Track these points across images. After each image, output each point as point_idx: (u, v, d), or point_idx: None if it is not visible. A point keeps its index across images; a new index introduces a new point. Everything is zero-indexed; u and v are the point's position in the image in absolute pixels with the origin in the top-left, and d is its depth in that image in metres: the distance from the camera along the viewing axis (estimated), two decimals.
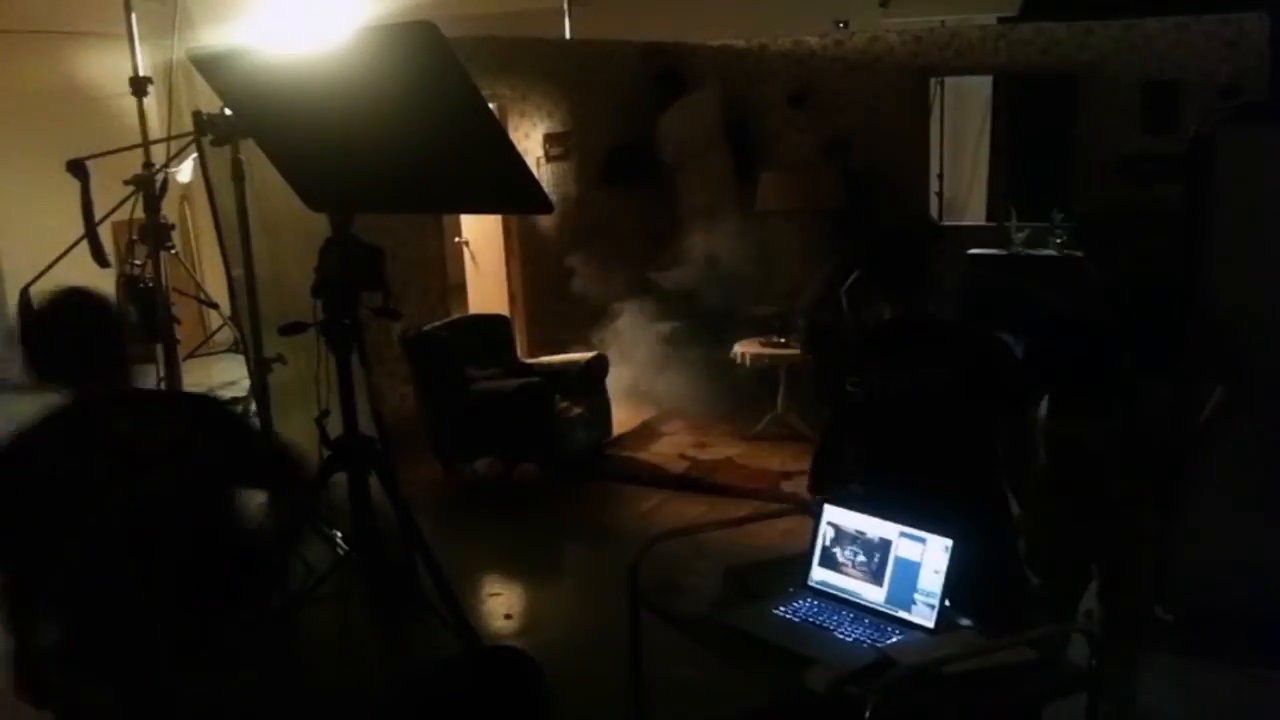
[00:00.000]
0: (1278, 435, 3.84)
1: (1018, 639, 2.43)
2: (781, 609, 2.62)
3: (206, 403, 2.71)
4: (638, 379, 7.33)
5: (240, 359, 5.33)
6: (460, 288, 8.11)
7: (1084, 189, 8.40)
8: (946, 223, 9.34)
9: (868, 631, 2.50)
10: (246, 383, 6.03)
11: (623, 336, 7.48)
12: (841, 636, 2.49)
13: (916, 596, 2.52)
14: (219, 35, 4.88)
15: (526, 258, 8.14)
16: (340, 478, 3.42)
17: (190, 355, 7.71)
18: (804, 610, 2.61)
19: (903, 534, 2.58)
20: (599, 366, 6.55)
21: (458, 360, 6.09)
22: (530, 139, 8.00)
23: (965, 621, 2.51)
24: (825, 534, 2.71)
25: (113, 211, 4.49)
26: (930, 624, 2.48)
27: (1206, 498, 3.92)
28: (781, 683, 2.39)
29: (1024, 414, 2.90)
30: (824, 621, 2.56)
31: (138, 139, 4.65)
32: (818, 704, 2.23)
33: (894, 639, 2.46)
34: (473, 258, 8.10)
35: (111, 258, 4.99)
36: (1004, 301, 2.36)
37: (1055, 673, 2.40)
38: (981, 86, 9.41)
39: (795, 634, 2.52)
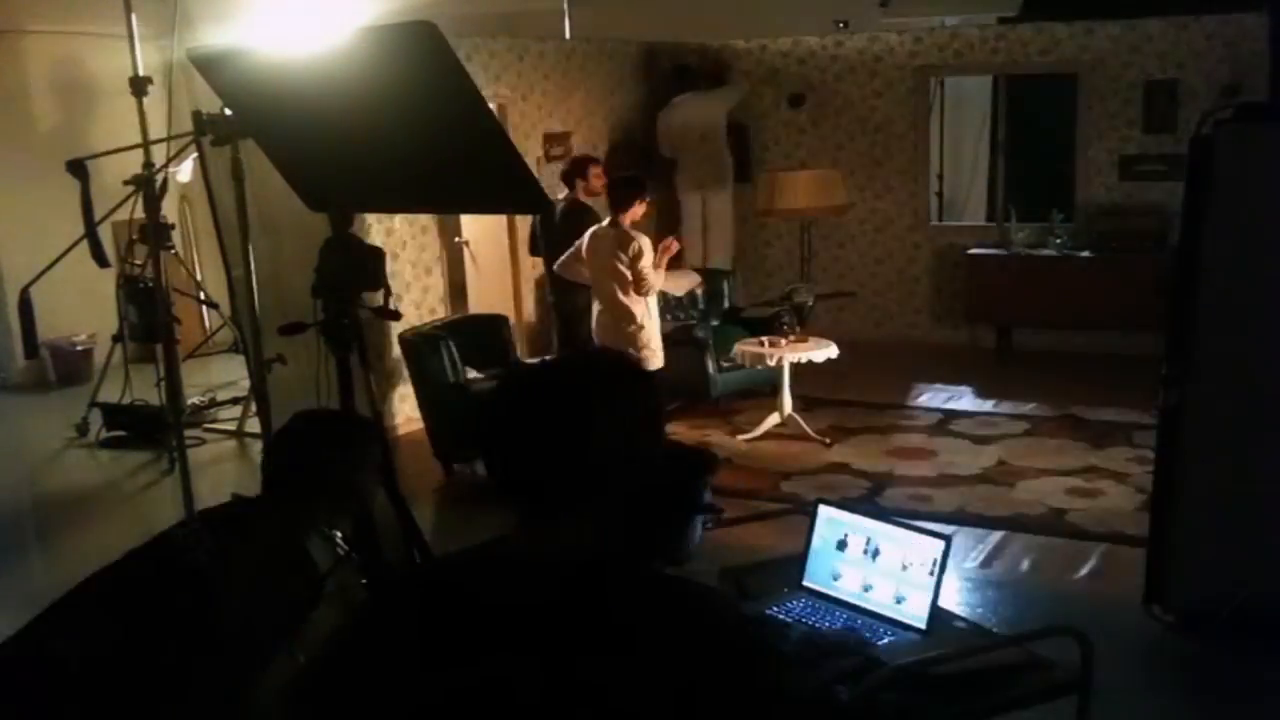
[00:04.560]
0: (1278, 434, 3.84)
1: (1009, 640, 2.43)
2: (775, 609, 2.62)
3: None
4: None
5: (240, 359, 5.35)
6: (460, 288, 8.10)
7: (1084, 189, 8.41)
8: (946, 222, 9.35)
9: (860, 632, 2.50)
10: (246, 383, 6.05)
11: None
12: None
13: (909, 597, 2.52)
14: (219, 35, 4.87)
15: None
16: None
17: (190, 355, 7.73)
18: (797, 610, 2.61)
19: (896, 535, 2.58)
20: None
21: (458, 360, 6.09)
22: (530, 139, 8.00)
23: (959, 623, 2.51)
24: (820, 535, 2.71)
25: (113, 211, 4.49)
26: (922, 625, 2.49)
27: (1207, 498, 3.92)
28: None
29: None
30: (816, 622, 2.56)
31: (138, 139, 4.64)
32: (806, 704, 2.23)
33: (885, 640, 2.46)
34: (473, 258, 8.09)
35: (111, 258, 5.00)
36: None
37: (1045, 675, 2.41)
38: (981, 86, 9.41)
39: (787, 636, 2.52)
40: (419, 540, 3.61)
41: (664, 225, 9.33)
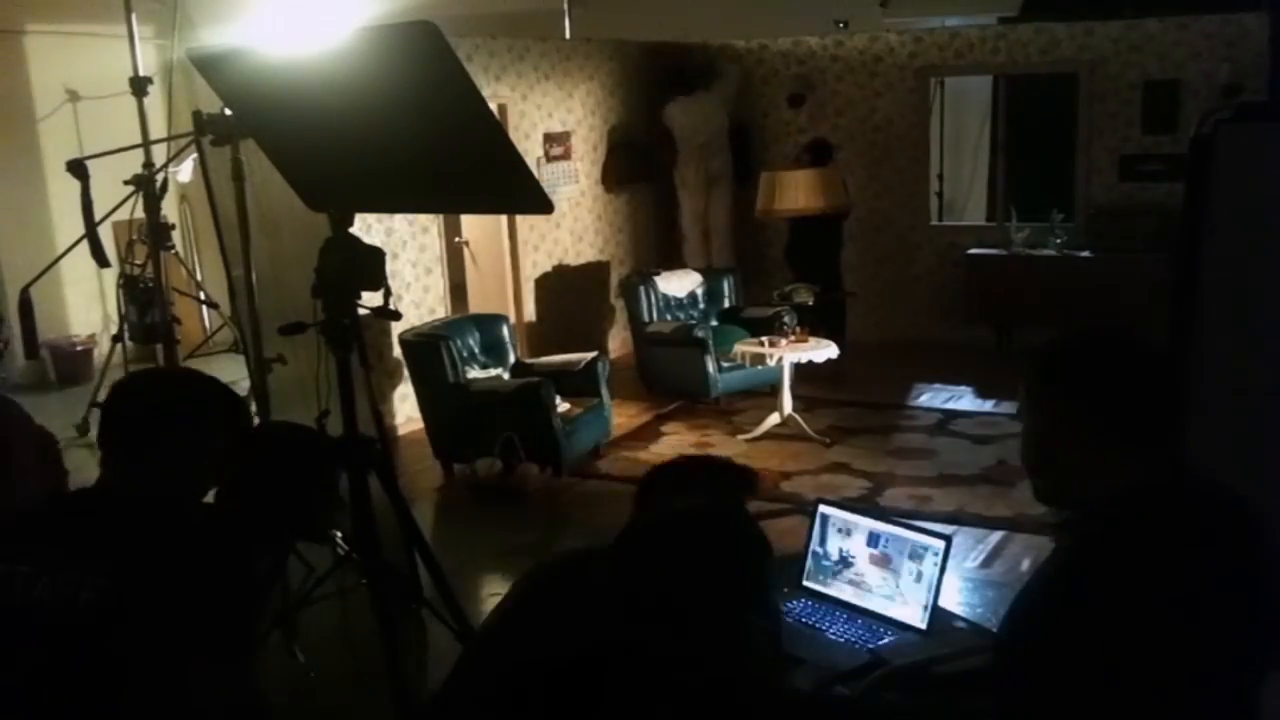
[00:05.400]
0: (1278, 434, 3.84)
1: None
2: None
3: None
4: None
5: (240, 359, 5.33)
6: (460, 288, 8.11)
7: (1084, 189, 8.41)
8: (946, 222, 9.36)
9: (860, 632, 2.50)
10: (246, 383, 6.05)
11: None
12: (834, 637, 2.49)
13: (909, 597, 2.52)
14: (219, 35, 4.87)
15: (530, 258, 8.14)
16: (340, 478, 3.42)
17: (190, 355, 7.73)
18: (797, 611, 2.60)
19: (896, 534, 2.58)
20: (599, 366, 6.55)
21: (458, 360, 6.09)
22: (530, 139, 8.00)
23: (959, 623, 2.50)
24: (820, 535, 2.71)
25: (113, 211, 4.49)
26: (922, 625, 2.48)
27: None
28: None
29: None
30: (817, 622, 2.56)
31: (138, 139, 4.64)
32: (807, 704, 2.23)
33: (886, 639, 2.46)
34: (473, 258, 8.10)
35: (112, 258, 5.00)
36: None
37: None
38: (981, 86, 9.41)
39: (787, 635, 2.51)
40: (419, 540, 3.61)
41: (662, 225, 9.36)
